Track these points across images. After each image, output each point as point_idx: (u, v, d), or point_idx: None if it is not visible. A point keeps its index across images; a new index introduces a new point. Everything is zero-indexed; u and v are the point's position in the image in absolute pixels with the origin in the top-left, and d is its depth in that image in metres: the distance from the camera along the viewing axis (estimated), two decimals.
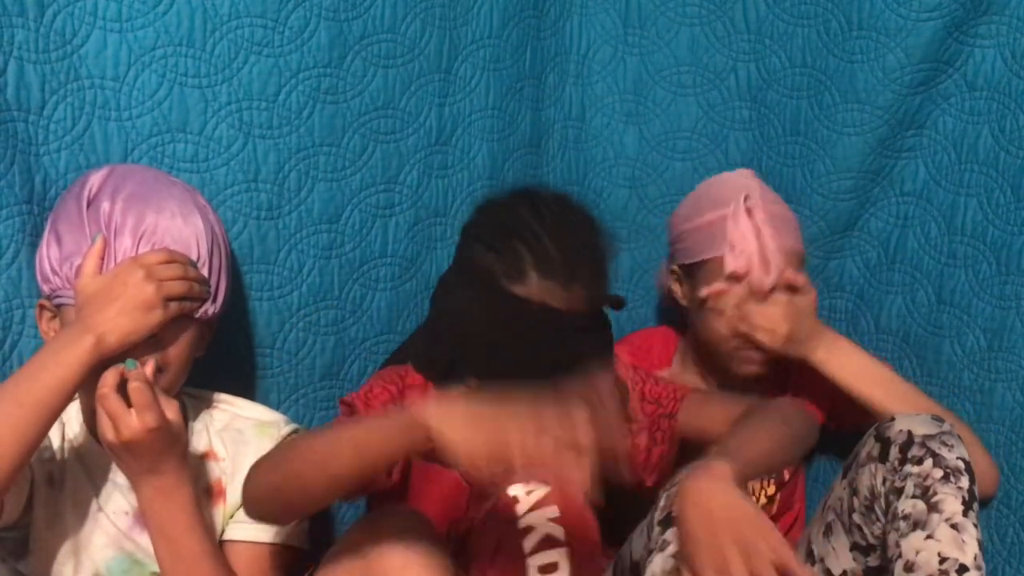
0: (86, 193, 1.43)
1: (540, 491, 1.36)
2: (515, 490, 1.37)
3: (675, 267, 1.93)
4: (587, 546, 1.35)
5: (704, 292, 1.83)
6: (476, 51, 1.88)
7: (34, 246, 1.51)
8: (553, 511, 1.35)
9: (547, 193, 1.59)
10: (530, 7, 1.95)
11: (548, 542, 1.34)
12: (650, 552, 1.48)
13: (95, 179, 1.45)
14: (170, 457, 1.36)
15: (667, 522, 1.45)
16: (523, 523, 1.35)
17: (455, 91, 1.86)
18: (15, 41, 1.50)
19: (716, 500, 1.30)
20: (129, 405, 1.32)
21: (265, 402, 1.71)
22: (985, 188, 1.91)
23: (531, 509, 1.36)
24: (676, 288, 1.93)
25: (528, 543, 1.35)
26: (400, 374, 1.56)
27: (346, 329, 1.81)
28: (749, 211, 1.82)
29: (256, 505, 1.36)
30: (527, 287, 1.48)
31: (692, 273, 1.88)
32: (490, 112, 1.91)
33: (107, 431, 1.32)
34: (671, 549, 1.41)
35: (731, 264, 1.81)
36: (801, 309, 1.81)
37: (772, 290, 1.80)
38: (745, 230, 1.81)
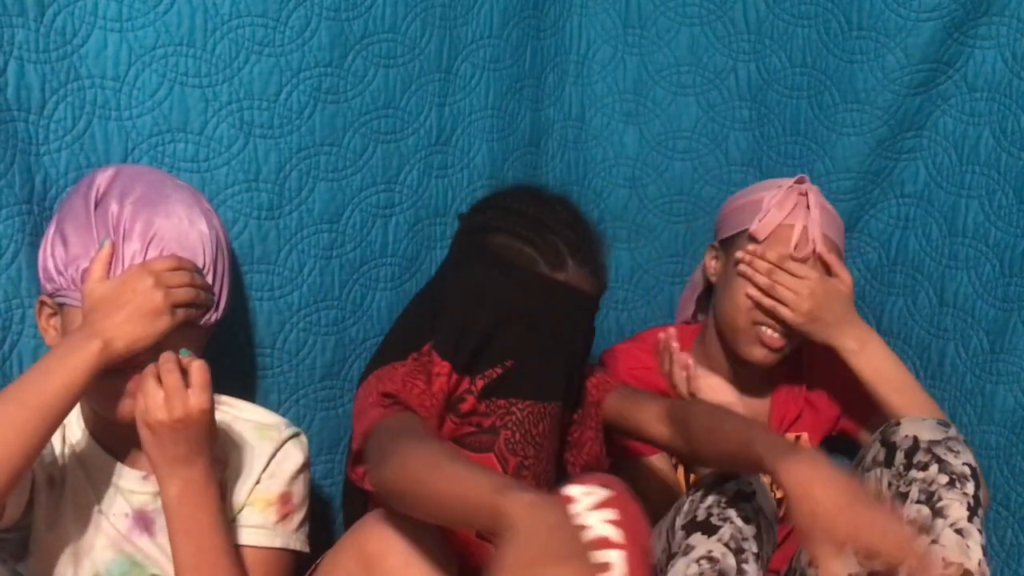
0: (93, 194, 1.42)
1: (601, 493, 1.37)
2: (572, 490, 1.38)
3: (715, 243, 1.93)
4: (641, 554, 1.36)
5: (740, 253, 1.83)
6: (476, 51, 1.87)
7: (34, 246, 1.50)
8: (612, 514, 1.36)
9: (547, 190, 1.72)
10: (530, 7, 1.95)
11: (604, 542, 1.34)
12: (671, 556, 1.49)
13: (102, 179, 1.44)
14: (205, 449, 1.36)
15: (693, 527, 1.49)
16: (579, 521, 1.35)
17: (455, 91, 1.86)
18: (15, 41, 1.49)
19: (840, 486, 1.35)
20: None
21: (265, 402, 1.71)
22: (987, 190, 1.91)
23: (589, 509, 1.37)
24: (711, 264, 1.93)
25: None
26: (420, 366, 1.59)
27: (346, 329, 1.80)
28: (803, 192, 1.82)
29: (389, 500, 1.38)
30: (566, 273, 1.59)
31: (729, 246, 1.88)
32: (490, 112, 1.90)
33: (157, 410, 1.32)
34: (695, 554, 1.46)
35: (755, 228, 1.81)
36: (832, 291, 1.80)
37: (803, 261, 1.80)
38: (787, 203, 1.81)
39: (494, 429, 1.59)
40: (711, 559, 1.46)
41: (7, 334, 1.52)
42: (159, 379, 1.33)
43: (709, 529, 1.50)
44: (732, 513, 1.51)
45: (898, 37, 1.93)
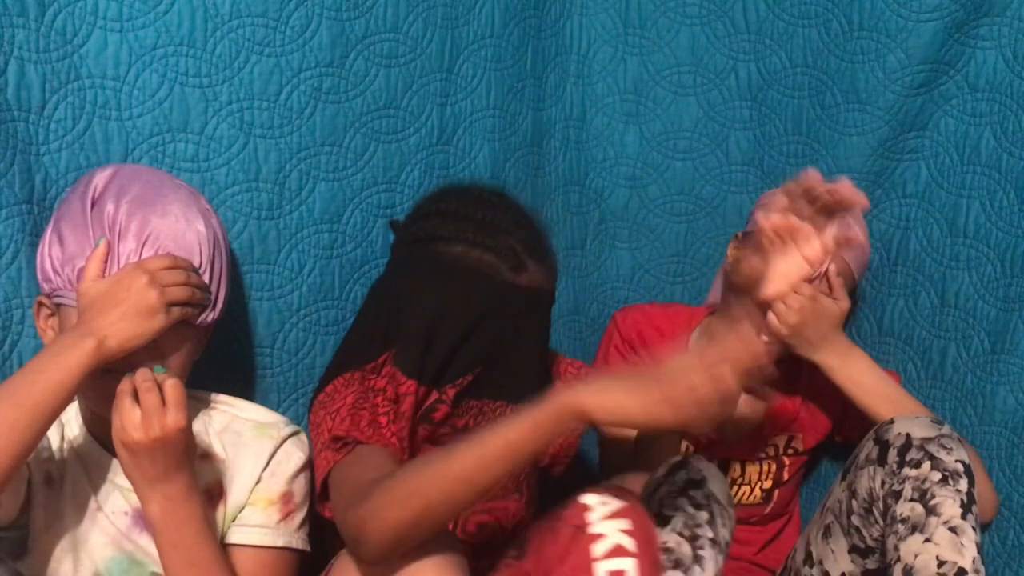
0: (91, 193, 1.43)
1: (615, 503, 1.39)
2: (588, 499, 1.41)
3: (739, 233, 1.93)
4: (651, 563, 1.38)
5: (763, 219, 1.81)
6: (477, 51, 1.87)
7: (34, 246, 1.50)
8: (626, 523, 1.38)
9: (482, 187, 1.70)
10: (531, 7, 1.95)
11: (618, 551, 1.36)
12: None
13: (100, 179, 1.45)
14: (184, 464, 1.37)
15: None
16: (594, 529, 1.38)
17: (456, 91, 1.86)
18: (16, 41, 1.49)
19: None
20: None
21: (265, 402, 1.71)
22: (988, 190, 1.91)
23: (604, 518, 1.39)
24: (731, 253, 1.93)
25: (598, 548, 1.37)
26: (366, 390, 1.56)
27: (346, 329, 1.80)
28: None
29: (391, 546, 1.32)
30: (528, 275, 1.58)
31: (748, 240, 1.87)
32: (491, 112, 1.90)
33: (134, 430, 1.32)
34: None
35: (760, 216, 1.80)
36: (822, 310, 1.79)
37: (810, 280, 1.78)
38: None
39: (468, 429, 1.59)
40: (666, 549, 1.48)
41: (7, 334, 1.52)
42: (135, 397, 1.33)
43: (662, 520, 1.52)
44: (683, 502, 1.53)
45: (899, 37, 1.93)
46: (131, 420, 1.32)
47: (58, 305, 1.43)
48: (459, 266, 1.56)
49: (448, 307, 1.56)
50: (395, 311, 1.60)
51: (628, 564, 1.34)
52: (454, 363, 1.57)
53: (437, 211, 1.62)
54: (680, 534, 1.49)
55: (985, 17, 1.90)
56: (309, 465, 1.56)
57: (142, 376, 1.33)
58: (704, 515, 1.52)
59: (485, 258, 1.56)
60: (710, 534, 1.51)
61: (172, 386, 1.33)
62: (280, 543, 1.51)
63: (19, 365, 1.52)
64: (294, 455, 1.54)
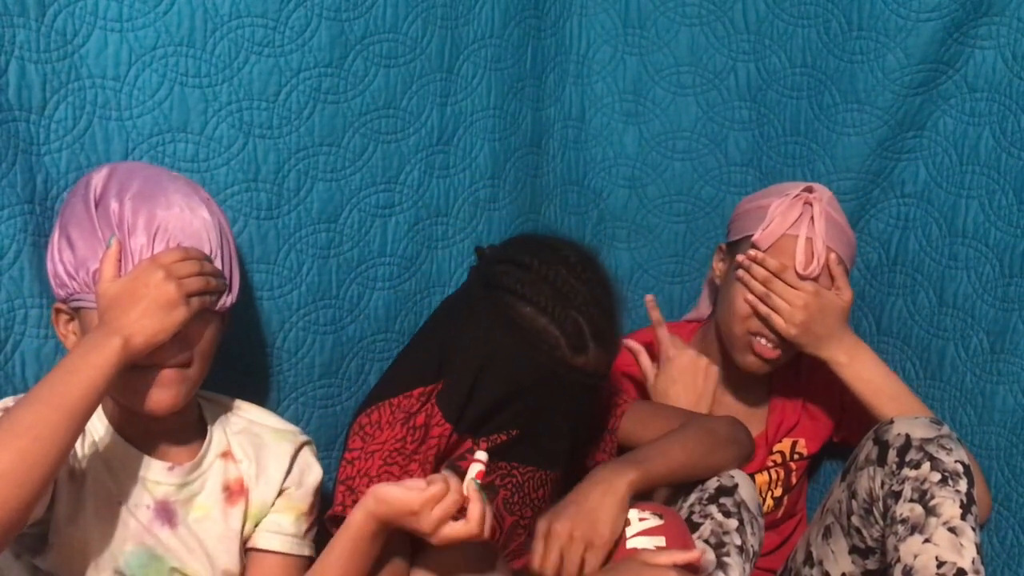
0: (92, 194, 1.43)
1: (652, 521, 1.41)
2: (628, 514, 1.46)
3: (722, 244, 1.93)
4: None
5: (740, 257, 1.82)
6: (477, 51, 1.87)
7: (36, 246, 1.51)
8: (660, 540, 1.42)
9: (576, 250, 1.66)
10: (531, 7, 1.95)
11: None
12: None
13: (98, 179, 1.45)
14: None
15: None
16: (631, 544, 1.44)
17: (456, 91, 1.86)
18: (16, 41, 1.49)
19: (593, 495, 1.49)
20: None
21: (264, 401, 1.71)
22: (987, 190, 1.91)
23: (639, 533, 1.44)
24: (717, 266, 1.93)
25: None
26: (401, 447, 1.58)
27: (344, 328, 1.80)
28: (808, 202, 1.81)
29: None
30: (586, 358, 1.58)
31: (734, 250, 1.87)
32: (491, 112, 1.90)
33: (430, 526, 1.40)
34: None
35: (758, 236, 1.80)
36: (826, 305, 1.79)
37: (809, 279, 1.79)
38: (791, 213, 1.80)
39: (492, 487, 1.60)
40: None
41: (10, 334, 1.52)
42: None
43: (691, 527, 1.54)
44: (712, 509, 1.54)
45: (898, 37, 1.93)
46: (438, 523, 1.41)
47: (76, 309, 1.43)
48: (523, 327, 1.56)
49: (499, 362, 1.57)
50: (453, 346, 1.60)
51: None
52: (493, 420, 1.58)
53: (521, 264, 1.61)
54: (707, 541, 1.51)
55: (984, 17, 1.90)
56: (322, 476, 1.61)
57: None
58: (733, 523, 1.53)
59: (550, 329, 1.56)
60: (738, 541, 1.52)
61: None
62: (306, 552, 1.55)
63: (22, 365, 1.53)
64: (315, 466, 1.59)
